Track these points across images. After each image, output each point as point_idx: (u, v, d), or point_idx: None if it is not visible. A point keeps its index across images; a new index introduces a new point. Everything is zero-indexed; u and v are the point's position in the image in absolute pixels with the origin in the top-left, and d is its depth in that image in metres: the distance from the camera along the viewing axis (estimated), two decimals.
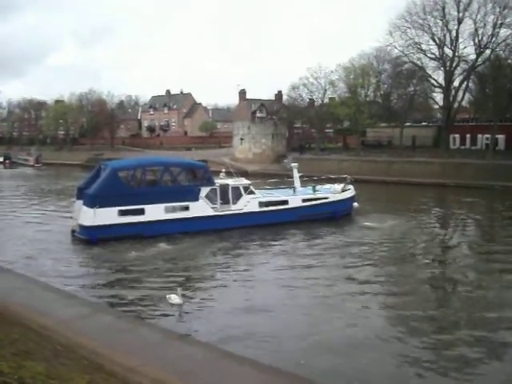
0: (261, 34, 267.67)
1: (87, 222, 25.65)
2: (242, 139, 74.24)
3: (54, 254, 24.02)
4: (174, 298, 15.81)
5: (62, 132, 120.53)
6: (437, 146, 65.56)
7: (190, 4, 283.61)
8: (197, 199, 28.25)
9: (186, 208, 28.01)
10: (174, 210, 27.73)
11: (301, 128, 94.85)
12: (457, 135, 66.99)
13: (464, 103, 69.83)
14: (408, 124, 72.88)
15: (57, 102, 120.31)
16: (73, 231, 27.35)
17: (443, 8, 59.50)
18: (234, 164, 59.38)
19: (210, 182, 29.11)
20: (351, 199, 33.04)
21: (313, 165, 55.94)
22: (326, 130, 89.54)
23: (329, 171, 46.24)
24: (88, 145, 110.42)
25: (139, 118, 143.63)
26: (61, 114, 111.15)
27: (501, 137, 61.34)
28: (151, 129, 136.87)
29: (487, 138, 61.48)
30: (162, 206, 27.25)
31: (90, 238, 25.53)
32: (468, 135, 66.43)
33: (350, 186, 33.62)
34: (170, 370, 10.61)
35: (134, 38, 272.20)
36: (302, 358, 12.64)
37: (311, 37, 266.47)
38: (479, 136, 64.97)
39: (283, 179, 37.10)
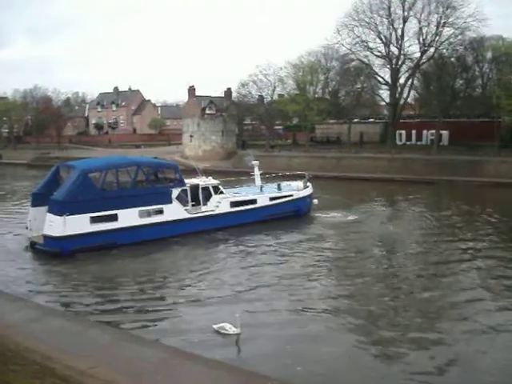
0: (210, 30, 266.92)
1: (56, 233, 22.77)
2: (191, 136, 73.68)
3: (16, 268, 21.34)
4: (230, 328, 13.87)
5: (6, 130, 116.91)
6: (384, 141, 67.12)
7: (138, 3, 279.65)
8: (170, 201, 26.40)
9: (161, 211, 26.03)
10: (148, 214, 25.67)
11: (251, 125, 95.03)
12: (403, 131, 68.78)
13: (409, 100, 71.60)
14: (356, 120, 74.40)
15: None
16: (33, 243, 24.22)
17: (389, 7, 61.18)
18: (183, 161, 59.13)
19: (181, 183, 27.44)
20: (311, 196, 33.14)
21: (263, 162, 55.77)
22: (276, 127, 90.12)
23: (279, 168, 46.66)
24: (34, 143, 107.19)
25: (86, 115, 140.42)
26: (4, 112, 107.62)
27: (445, 133, 63.53)
28: (99, 126, 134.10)
29: (432, 134, 63.64)
30: (136, 210, 25.13)
31: (60, 250, 22.70)
32: (414, 131, 68.44)
33: (309, 183, 33.63)
34: (122, 370, 10.58)
35: (84, 36, 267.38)
36: None
37: (260, 34, 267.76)
38: (424, 132, 67.17)
39: (247, 177, 35.71)
